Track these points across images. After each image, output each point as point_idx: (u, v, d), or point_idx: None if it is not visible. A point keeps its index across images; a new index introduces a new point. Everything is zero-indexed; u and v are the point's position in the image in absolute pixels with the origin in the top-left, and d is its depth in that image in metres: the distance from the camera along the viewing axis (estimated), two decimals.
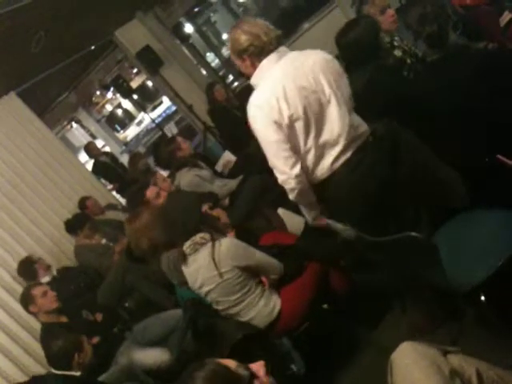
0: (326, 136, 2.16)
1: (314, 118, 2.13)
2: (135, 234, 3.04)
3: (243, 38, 2.15)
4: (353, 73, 2.60)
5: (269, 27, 2.18)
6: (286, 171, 2.16)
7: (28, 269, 4.18)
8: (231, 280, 2.41)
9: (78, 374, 2.59)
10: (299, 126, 2.11)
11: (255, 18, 2.24)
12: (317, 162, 2.20)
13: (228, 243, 2.45)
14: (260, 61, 2.17)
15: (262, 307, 2.45)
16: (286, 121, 2.09)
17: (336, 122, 2.14)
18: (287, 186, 2.22)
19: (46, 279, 4.13)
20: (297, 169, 2.15)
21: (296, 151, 2.16)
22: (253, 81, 2.21)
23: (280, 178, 2.21)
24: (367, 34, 2.63)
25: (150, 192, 3.42)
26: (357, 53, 2.60)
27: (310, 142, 2.15)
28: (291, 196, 2.26)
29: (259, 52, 2.15)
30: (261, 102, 2.13)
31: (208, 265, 2.41)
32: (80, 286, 4.04)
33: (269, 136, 2.12)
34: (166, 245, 2.86)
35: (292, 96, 2.08)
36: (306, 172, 2.21)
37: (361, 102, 2.26)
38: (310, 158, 2.18)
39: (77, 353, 2.59)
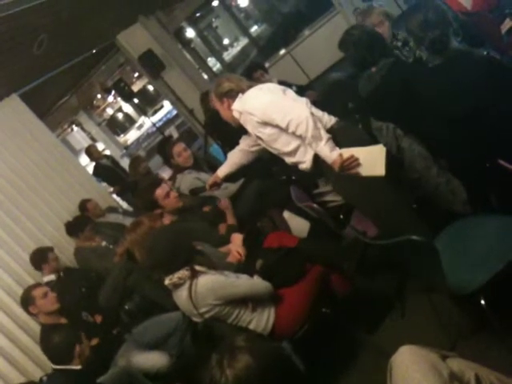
0: None
1: None
2: (131, 243, 3.06)
3: (226, 84, 2.67)
4: (365, 72, 2.66)
5: (243, 79, 2.74)
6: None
7: (37, 263, 4.28)
8: (214, 315, 2.37)
9: (78, 367, 2.59)
10: None
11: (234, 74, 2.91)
12: None
13: (204, 283, 2.34)
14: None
15: (254, 327, 2.42)
16: None
17: None
18: (303, 119, 2.38)
19: (50, 278, 4.15)
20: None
21: None
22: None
23: (296, 116, 2.40)
24: (372, 32, 2.73)
25: (161, 191, 3.37)
26: (369, 49, 2.62)
27: None
28: (310, 130, 2.36)
29: (236, 95, 2.65)
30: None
31: (188, 305, 2.37)
32: (81, 291, 4.03)
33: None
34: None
35: None
36: None
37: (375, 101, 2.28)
38: None
39: (76, 348, 2.59)
